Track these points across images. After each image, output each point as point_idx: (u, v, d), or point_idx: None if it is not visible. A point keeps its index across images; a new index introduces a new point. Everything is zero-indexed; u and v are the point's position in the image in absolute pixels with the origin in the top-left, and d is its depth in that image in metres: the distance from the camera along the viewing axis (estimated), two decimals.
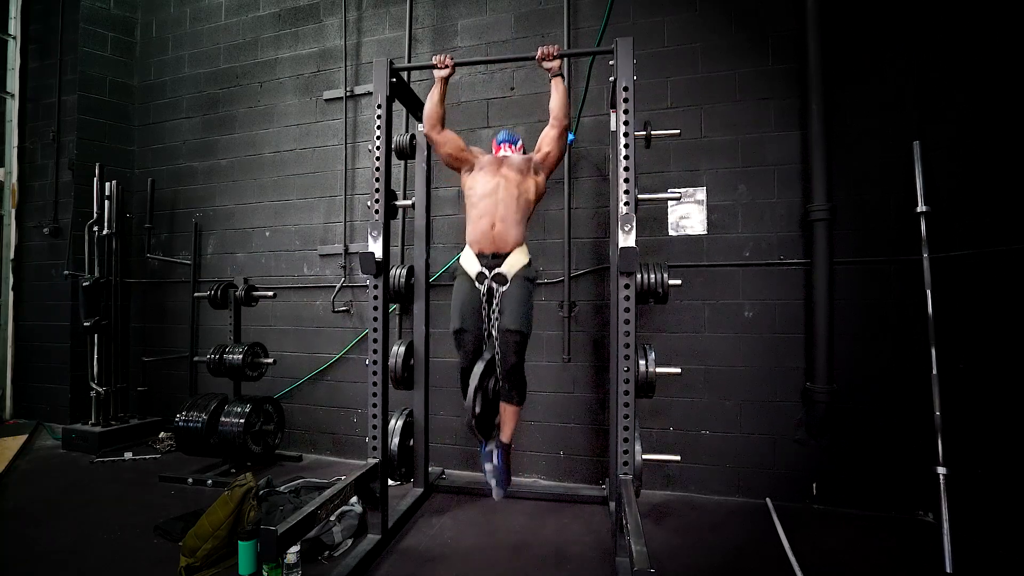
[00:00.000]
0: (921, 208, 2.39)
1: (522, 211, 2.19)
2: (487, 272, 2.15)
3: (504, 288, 2.14)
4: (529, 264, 2.21)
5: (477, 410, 2.10)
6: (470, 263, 2.21)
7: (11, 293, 4.32)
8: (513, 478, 3.08)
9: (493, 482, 2.26)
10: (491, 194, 2.17)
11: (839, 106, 2.69)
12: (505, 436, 2.27)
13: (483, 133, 3.27)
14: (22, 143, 4.38)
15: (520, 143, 2.44)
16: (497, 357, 2.15)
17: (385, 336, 2.30)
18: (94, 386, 3.65)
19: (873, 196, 2.66)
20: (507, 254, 2.16)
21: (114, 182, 3.69)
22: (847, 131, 2.69)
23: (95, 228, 3.71)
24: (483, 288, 2.15)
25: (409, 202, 2.83)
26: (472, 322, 2.16)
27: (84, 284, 3.53)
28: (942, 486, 2.20)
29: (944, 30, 2.53)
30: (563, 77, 2.23)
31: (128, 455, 3.42)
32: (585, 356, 3.04)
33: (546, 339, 3.09)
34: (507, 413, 2.24)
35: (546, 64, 2.18)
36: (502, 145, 2.38)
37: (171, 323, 4.05)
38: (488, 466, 2.27)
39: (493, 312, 2.13)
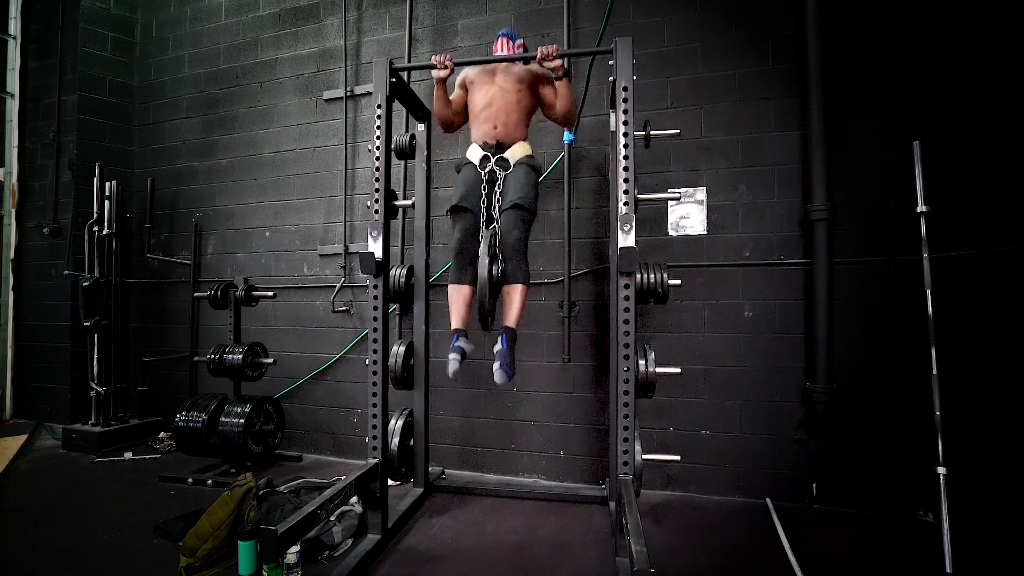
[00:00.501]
0: (921, 208, 2.39)
1: (522, 114, 2.25)
2: (491, 156, 2.20)
3: (507, 172, 2.18)
4: (532, 156, 2.27)
5: (495, 276, 2.05)
6: (474, 152, 2.26)
7: (11, 293, 4.32)
8: (513, 478, 3.10)
9: (496, 366, 2.15)
10: (489, 105, 2.23)
11: (839, 106, 2.69)
12: (512, 320, 2.20)
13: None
14: (22, 143, 4.38)
15: (520, 42, 2.41)
16: (498, 238, 2.12)
17: (385, 336, 2.30)
18: (94, 386, 3.65)
19: (873, 196, 2.66)
20: (511, 145, 2.23)
21: (114, 182, 3.69)
22: (847, 131, 2.69)
23: (95, 228, 3.71)
24: (485, 172, 2.19)
25: (409, 202, 2.83)
26: (473, 201, 2.18)
27: (84, 284, 3.54)
28: (942, 486, 2.20)
29: (944, 30, 2.53)
30: (568, 78, 2.23)
31: (128, 455, 3.42)
32: (585, 356, 3.04)
33: (546, 339, 3.09)
34: (513, 294, 2.19)
35: (548, 65, 2.18)
36: (500, 39, 2.37)
37: (171, 323, 4.05)
38: (453, 356, 2.17)
39: (495, 194, 2.16)
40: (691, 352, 2.88)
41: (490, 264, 2.02)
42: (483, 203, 2.16)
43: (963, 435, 2.29)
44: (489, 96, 2.23)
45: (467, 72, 2.40)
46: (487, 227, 2.15)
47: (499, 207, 2.15)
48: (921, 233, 2.38)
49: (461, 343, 2.23)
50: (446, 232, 3.28)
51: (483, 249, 2.02)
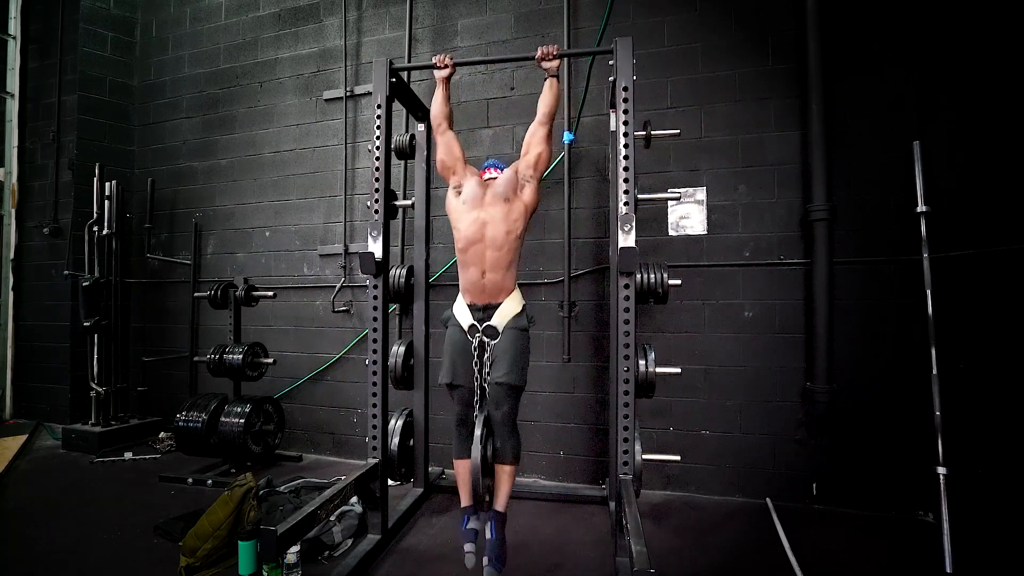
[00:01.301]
0: (921, 208, 2.38)
1: (513, 252, 2.08)
2: (478, 325, 2.06)
3: (495, 342, 2.05)
4: (521, 312, 2.10)
5: (489, 460, 1.98)
6: (462, 314, 2.11)
7: (11, 293, 4.32)
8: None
9: (484, 561, 1.92)
10: (478, 240, 2.05)
11: (839, 106, 2.69)
12: (500, 503, 2.04)
13: (483, 133, 3.28)
14: (22, 143, 4.38)
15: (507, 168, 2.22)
16: (489, 412, 2.03)
17: (385, 336, 2.30)
18: (94, 386, 3.65)
19: (873, 196, 2.66)
20: (499, 304, 2.07)
21: (114, 182, 3.69)
22: (847, 131, 2.69)
23: (95, 228, 3.72)
24: (475, 342, 2.06)
25: (409, 202, 2.83)
26: (464, 376, 2.07)
27: (84, 284, 3.54)
28: (942, 486, 2.20)
29: (944, 30, 2.53)
30: (559, 79, 2.19)
31: (128, 455, 3.42)
32: (585, 356, 3.04)
33: (546, 339, 3.09)
34: (502, 475, 2.06)
35: (545, 64, 2.17)
36: (488, 169, 2.22)
37: (171, 323, 4.05)
38: (468, 546, 1.98)
39: (485, 366, 2.04)
40: (691, 352, 2.88)
41: (483, 452, 1.94)
42: (475, 377, 2.06)
43: (963, 435, 2.29)
44: (477, 227, 2.04)
45: (469, 169, 2.21)
46: (479, 400, 2.06)
47: (490, 378, 2.03)
48: (921, 233, 2.38)
49: (473, 524, 2.05)
50: (446, 232, 3.27)
51: (477, 435, 1.94)
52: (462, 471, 2.12)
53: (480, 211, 2.06)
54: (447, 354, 2.11)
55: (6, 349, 4.32)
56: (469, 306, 2.11)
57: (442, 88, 2.24)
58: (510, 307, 2.09)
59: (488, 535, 2.00)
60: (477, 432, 1.94)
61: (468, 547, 1.98)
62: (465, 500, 2.11)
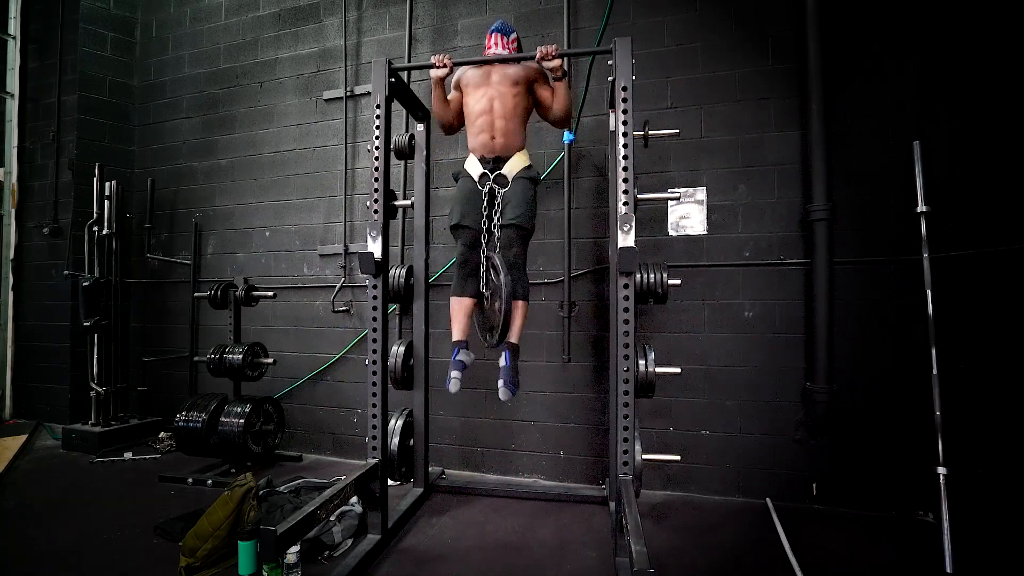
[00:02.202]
0: (921, 208, 2.38)
1: (519, 119, 2.27)
2: (489, 174, 2.23)
3: (505, 189, 2.22)
4: (530, 166, 2.30)
5: (509, 286, 2.11)
6: (473, 166, 2.28)
7: (11, 293, 4.32)
8: (513, 478, 3.10)
9: (500, 383, 2.20)
10: (486, 112, 2.24)
11: (839, 106, 2.68)
12: (514, 335, 2.26)
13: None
14: (22, 143, 4.38)
15: (514, 36, 2.37)
16: (498, 256, 2.17)
17: (385, 336, 2.30)
18: (94, 386, 3.65)
19: (873, 196, 2.66)
20: (508, 158, 2.25)
21: (114, 182, 3.69)
22: (847, 131, 2.69)
23: (95, 228, 3.71)
24: (485, 190, 2.22)
25: (408, 202, 2.83)
26: (472, 218, 2.23)
27: (84, 284, 3.53)
28: (942, 486, 2.20)
29: (944, 30, 2.53)
30: (567, 79, 2.23)
31: (128, 455, 3.42)
32: (585, 356, 3.04)
33: (546, 339, 3.09)
34: (514, 310, 2.22)
35: (547, 64, 2.17)
36: (493, 35, 2.33)
37: (171, 323, 4.05)
38: (455, 373, 2.22)
39: (495, 211, 2.20)
40: (691, 352, 2.88)
41: (496, 277, 2.12)
42: (483, 221, 2.22)
43: (963, 435, 2.29)
44: (485, 101, 2.23)
45: (461, 73, 2.38)
46: (487, 242, 2.22)
47: (499, 222, 2.20)
48: (921, 233, 2.38)
49: (462, 356, 2.28)
50: (446, 233, 3.27)
51: (498, 268, 2.10)
52: (458, 307, 2.33)
53: (487, 88, 2.25)
54: (457, 201, 2.30)
55: (6, 349, 4.32)
56: (480, 159, 2.29)
57: (438, 89, 2.26)
58: (519, 160, 2.29)
59: (503, 363, 2.22)
60: (498, 263, 2.10)
61: (455, 374, 2.22)
62: (458, 335, 2.32)
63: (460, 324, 2.33)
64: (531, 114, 2.35)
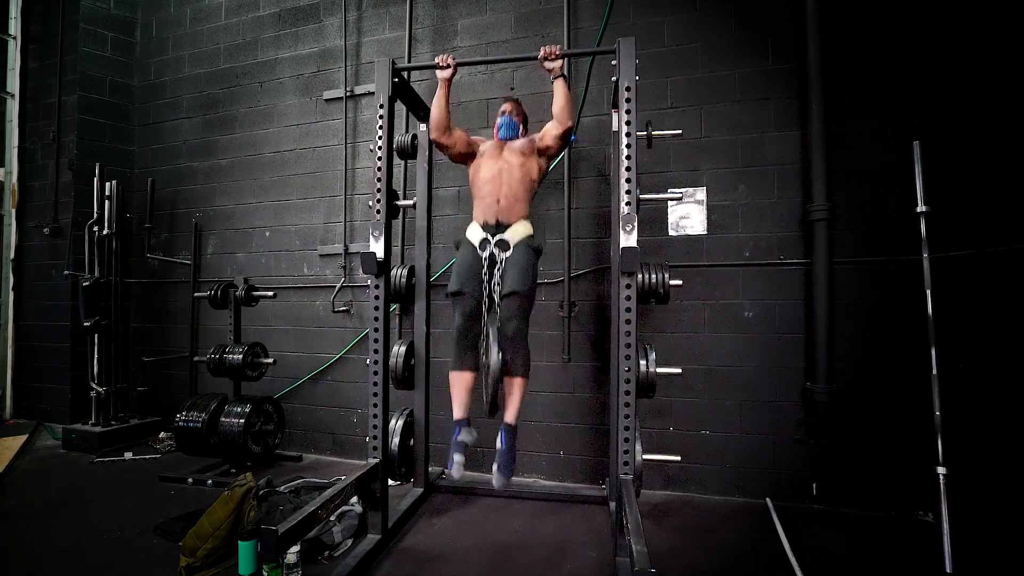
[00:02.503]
0: (921, 208, 2.39)
1: (526, 189, 2.25)
2: (490, 238, 2.16)
3: (507, 254, 2.13)
4: (533, 235, 2.24)
5: (497, 360, 1.99)
6: (474, 232, 2.24)
7: (11, 293, 4.32)
8: (513, 478, 3.08)
9: (494, 468, 2.07)
10: (495, 178, 2.22)
11: (839, 106, 2.69)
12: (511, 415, 2.12)
13: (483, 133, 3.25)
14: (22, 143, 4.38)
15: (520, 129, 2.42)
16: (496, 327, 2.06)
17: (386, 336, 2.30)
18: (94, 386, 3.65)
19: (873, 196, 2.66)
20: (511, 224, 2.20)
21: (114, 182, 3.69)
22: (847, 131, 2.69)
23: (95, 228, 3.71)
24: (485, 255, 2.15)
25: (410, 202, 2.83)
26: (472, 286, 2.12)
27: (84, 284, 3.53)
28: (942, 486, 2.20)
29: (945, 30, 2.53)
30: (565, 78, 2.22)
31: (128, 455, 3.42)
32: (585, 356, 3.04)
33: (546, 339, 3.09)
34: (513, 387, 2.10)
35: (548, 65, 2.17)
36: (504, 141, 2.37)
37: (171, 323, 4.05)
38: (457, 456, 2.07)
39: (495, 278, 2.10)
40: (691, 352, 2.88)
41: (494, 351, 1.97)
42: (484, 288, 2.10)
43: (963, 435, 2.29)
44: (496, 169, 2.24)
45: (478, 138, 2.45)
46: (487, 310, 2.09)
47: (499, 292, 2.08)
48: (921, 233, 2.38)
49: (464, 436, 2.12)
50: (447, 232, 3.28)
51: (491, 337, 1.99)
52: (457, 382, 2.18)
53: (499, 161, 2.26)
54: (457, 267, 2.20)
55: (6, 349, 4.32)
56: (482, 226, 2.23)
57: (443, 89, 2.26)
58: (523, 228, 2.22)
59: (499, 445, 2.08)
60: (491, 333, 2.00)
61: (457, 457, 2.07)
62: (458, 413, 2.17)
63: (460, 400, 2.17)
64: (536, 189, 2.31)
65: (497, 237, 2.16)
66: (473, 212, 2.29)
